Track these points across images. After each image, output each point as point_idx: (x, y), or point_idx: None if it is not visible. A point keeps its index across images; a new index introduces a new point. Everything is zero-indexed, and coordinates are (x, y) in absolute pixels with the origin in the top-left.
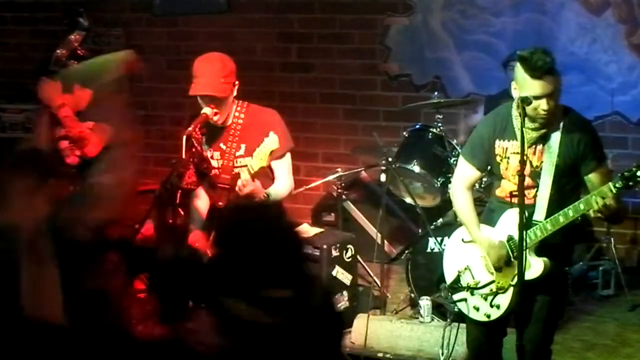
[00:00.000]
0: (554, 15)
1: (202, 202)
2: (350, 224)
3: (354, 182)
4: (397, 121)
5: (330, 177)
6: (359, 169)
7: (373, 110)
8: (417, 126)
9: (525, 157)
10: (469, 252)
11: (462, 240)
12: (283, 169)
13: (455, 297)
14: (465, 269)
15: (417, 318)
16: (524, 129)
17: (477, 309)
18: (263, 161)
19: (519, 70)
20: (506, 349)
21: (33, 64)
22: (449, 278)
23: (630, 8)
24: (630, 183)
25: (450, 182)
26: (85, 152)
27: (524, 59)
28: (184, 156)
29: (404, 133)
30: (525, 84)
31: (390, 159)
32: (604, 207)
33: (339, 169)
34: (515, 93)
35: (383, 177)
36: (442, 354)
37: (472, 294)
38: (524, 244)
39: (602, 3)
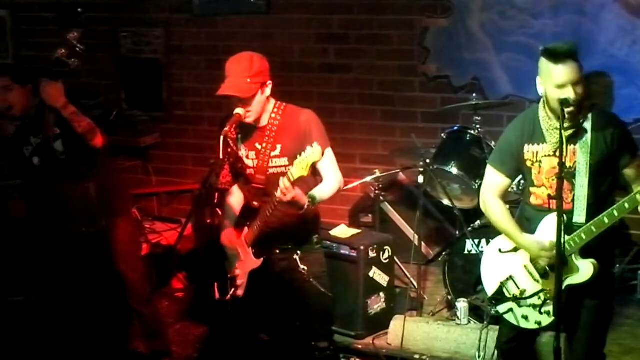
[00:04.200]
0: (594, 17)
1: (235, 199)
2: (387, 225)
3: (391, 184)
4: (435, 122)
5: (368, 179)
6: (397, 171)
7: (411, 111)
8: (455, 128)
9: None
10: (510, 262)
11: (500, 250)
12: (328, 166)
13: (500, 308)
14: (508, 279)
15: (454, 320)
16: (554, 130)
17: (527, 318)
18: (304, 171)
19: (542, 62)
20: (547, 352)
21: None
22: (491, 290)
23: None
24: None
25: None
26: (94, 144)
27: (546, 49)
28: (221, 156)
29: (442, 134)
30: (549, 73)
31: (428, 161)
32: None
33: (377, 170)
34: (541, 89)
35: (421, 179)
36: (479, 357)
37: (519, 304)
38: (562, 247)
39: None
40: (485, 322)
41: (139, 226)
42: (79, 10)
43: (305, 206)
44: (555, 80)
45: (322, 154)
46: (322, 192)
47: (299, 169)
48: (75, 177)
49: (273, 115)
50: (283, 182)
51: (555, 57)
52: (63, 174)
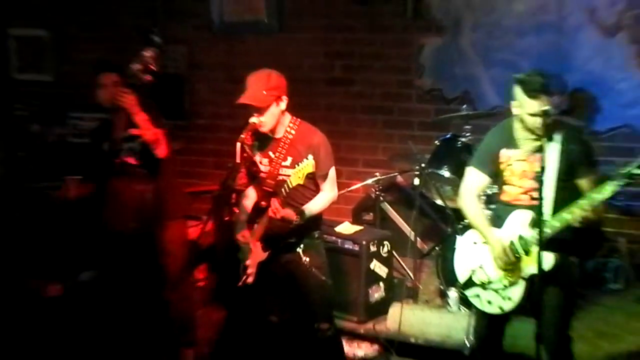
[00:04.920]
0: (572, 37)
1: (250, 202)
2: (386, 222)
3: (390, 185)
4: (429, 131)
5: (369, 181)
6: (395, 174)
7: (408, 120)
8: (448, 136)
9: (528, 163)
10: (482, 253)
11: (474, 242)
12: (327, 184)
13: (468, 293)
14: (479, 267)
15: (446, 307)
16: (526, 140)
17: (490, 303)
18: (300, 180)
19: (518, 91)
20: (525, 337)
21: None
22: (462, 277)
23: None
24: (630, 181)
25: None
26: (157, 153)
27: (522, 81)
28: (238, 161)
29: (436, 142)
30: (524, 103)
31: (423, 165)
32: (599, 204)
33: (377, 174)
34: (516, 110)
35: (417, 181)
36: (468, 340)
37: (484, 289)
38: (528, 241)
39: (615, 26)
40: (473, 310)
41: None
42: (154, 30)
43: (294, 222)
44: (529, 111)
45: (326, 175)
46: (313, 207)
47: (295, 178)
48: (136, 177)
49: (288, 129)
50: (274, 204)
51: (530, 92)
52: (126, 172)
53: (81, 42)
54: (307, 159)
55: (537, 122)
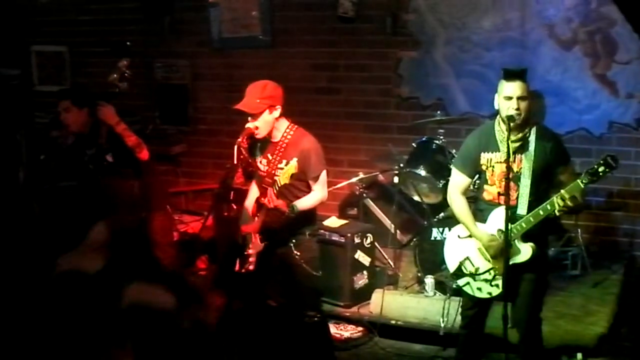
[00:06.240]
0: (533, 50)
1: (250, 201)
2: (369, 217)
3: (372, 183)
4: (407, 134)
5: (353, 179)
6: (377, 173)
7: (388, 125)
8: (424, 139)
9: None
10: (467, 246)
11: (459, 236)
12: (318, 185)
13: (460, 282)
14: (465, 259)
15: (423, 293)
16: (506, 142)
17: (480, 290)
18: (287, 179)
19: (500, 83)
20: (496, 318)
21: None
22: (452, 267)
23: (594, 45)
24: (595, 178)
25: None
26: (140, 157)
27: (505, 69)
28: (235, 162)
29: (413, 144)
30: (501, 87)
31: (401, 165)
32: (571, 199)
33: (360, 173)
34: (496, 104)
35: (396, 179)
36: (443, 322)
37: (474, 279)
38: (509, 234)
39: (571, 40)
40: (447, 294)
41: (172, 219)
42: (128, 43)
43: (286, 213)
44: (504, 93)
45: (318, 177)
46: (303, 203)
47: (283, 178)
48: (123, 177)
49: (285, 134)
50: (269, 194)
51: (507, 75)
52: (113, 174)
53: (94, 57)
54: (291, 161)
55: (510, 107)
